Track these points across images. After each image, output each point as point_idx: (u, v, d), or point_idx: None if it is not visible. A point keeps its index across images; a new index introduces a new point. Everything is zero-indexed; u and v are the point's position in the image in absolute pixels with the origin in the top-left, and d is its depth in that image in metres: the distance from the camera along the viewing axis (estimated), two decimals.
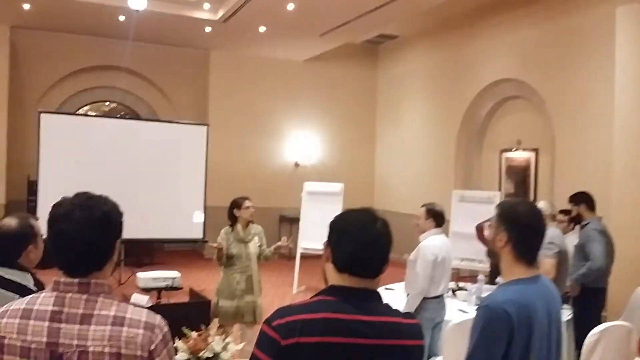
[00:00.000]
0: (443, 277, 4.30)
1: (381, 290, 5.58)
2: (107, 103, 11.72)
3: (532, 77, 8.83)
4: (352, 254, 1.59)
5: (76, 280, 1.49)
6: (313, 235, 8.67)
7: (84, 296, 1.47)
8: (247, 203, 4.89)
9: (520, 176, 9.57)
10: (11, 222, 2.49)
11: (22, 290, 2.27)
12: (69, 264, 1.51)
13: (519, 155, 9.62)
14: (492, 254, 2.13)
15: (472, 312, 4.72)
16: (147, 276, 5.06)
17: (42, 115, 7.94)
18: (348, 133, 12.84)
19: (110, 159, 8.21)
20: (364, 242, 1.60)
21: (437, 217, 4.38)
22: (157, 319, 1.53)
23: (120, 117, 10.80)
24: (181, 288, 5.18)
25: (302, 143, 12.48)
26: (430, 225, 4.34)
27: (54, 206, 1.57)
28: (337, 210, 8.77)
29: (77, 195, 1.57)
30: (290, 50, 11.45)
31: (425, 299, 4.22)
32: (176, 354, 3.18)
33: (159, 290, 5.08)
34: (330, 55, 12.00)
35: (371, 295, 1.61)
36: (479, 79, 9.99)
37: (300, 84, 12.42)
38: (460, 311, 4.71)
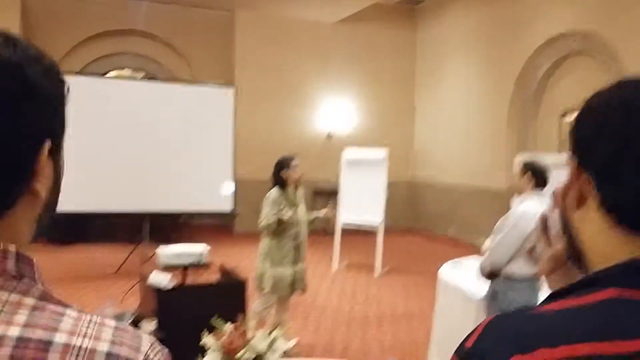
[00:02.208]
0: (540, 252, 3.37)
1: (447, 267, 4.71)
2: (127, 70, 10.93)
3: (603, 27, 7.71)
4: None
5: None
6: (354, 208, 7.82)
7: None
8: (295, 161, 4.38)
9: None
10: None
11: None
12: None
13: None
14: None
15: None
16: (169, 252, 4.26)
17: None
18: (384, 100, 11.88)
19: (129, 126, 7.41)
20: None
21: (538, 175, 3.40)
22: (144, 346, 0.65)
23: (139, 79, 9.96)
24: (209, 265, 4.38)
25: (335, 111, 11.56)
26: (528, 185, 3.39)
27: None
28: (381, 180, 7.96)
29: None
30: (322, 9, 10.47)
31: (517, 280, 3.32)
32: (204, 355, 2.36)
33: (184, 268, 4.29)
34: (364, 16, 11.02)
35: None
36: (536, 34, 8.89)
37: (332, 47, 11.47)
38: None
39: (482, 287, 3.55)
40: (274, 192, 4.32)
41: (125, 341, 0.63)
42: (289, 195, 4.32)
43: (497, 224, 3.43)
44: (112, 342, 0.61)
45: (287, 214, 4.21)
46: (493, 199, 9.49)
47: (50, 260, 7.89)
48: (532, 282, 3.36)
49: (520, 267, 3.31)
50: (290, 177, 4.31)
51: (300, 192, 4.47)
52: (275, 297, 4.35)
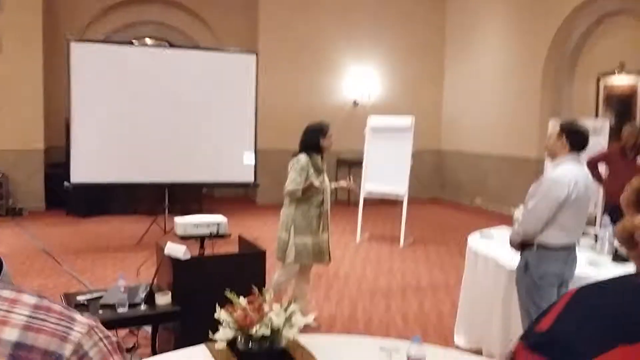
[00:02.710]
0: (578, 221, 3.12)
1: (476, 237, 4.49)
2: (149, 40, 10.73)
3: None
4: None
5: None
6: (378, 177, 7.61)
7: None
8: (330, 131, 4.25)
9: (623, 105, 8.10)
10: None
11: None
12: None
13: (622, 81, 8.13)
14: None
15: (607, 266, 3.60)
16: (186, 221, 4.14)
17: (72, 44, 6.99)
18: (412, 66, 11.48)
19: (150, 95, 7.26)
20: None
21: (576, 139, 3.13)
22: (75, 333, 0.49)
23: (159, 46, 9.72)
24: (229, 235, 4.24)
25: (361, 79, 11.23)
26: (564, 149, 3.11)
27: None
28: (406, 148, 7.69)
29: None
30: None
31: (550, 249, 3.08)
32: (218, 329, 2.21)
33: (202, 238, 4.16)
34: None
35: None
36: None
37: (359, 12, 11.06)
38: (590, 265, 3.55)
39: (514, 257, 3.33)
40: (303, 158, 4.14)
41: (46, 326, 0.44)
42: (316, 162, 4.16)
43: (530, 190, 3.18)
44: (26, 328, 0.43)
45: (316, 181, 4.07)
46: (523, 167, 9.16)
47: (71, 233, 7.90)
48: (566, 252, 3.12)
49: (554, 237, 3.07)
50: (326, 145, 4.18)
51: (325, 162, 4.31)
52: (297, 268, 4.20)
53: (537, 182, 3.20)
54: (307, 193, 4.07)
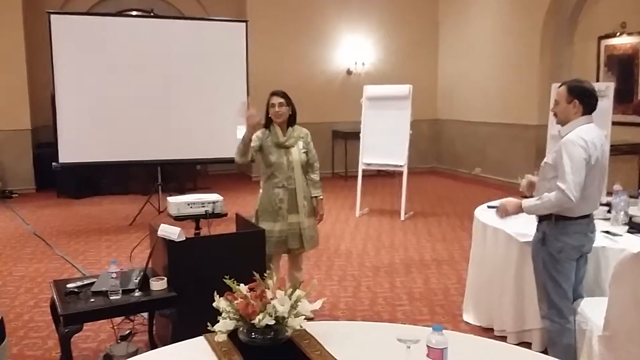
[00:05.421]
0: (597, 187, 2.93)
1: (483, 209, 4.32)
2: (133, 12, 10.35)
3: None
4: None
5: None
6: (376, 148, 7.41)
7: None
8: (273, 99, 3.84)
9: (625, 68, 7.88)
10: None
11: None
12: None
13: (624, 42, 7.89)
14: None
15: (625, 236, 3.43)
16: (180, 201, 3.93)
17: (52, 17, 6.67)
18: (406, 33, 11.18)
19: (137, 69, 6.96)
20: None
21: (587, 100, 2.90)
22: None
23: (144, 16, 9.31)
24: (225, 214, 4.04)
25: (353, 47, 10.93)
26: (576, 111, 2.89)
27: None
28: (404, 118, 7.47)
29: None
30: None
31: (570, 220, 2.89)
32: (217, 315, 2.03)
33: (197, 219, 3.97)
34: None
35: None
36: None
37: None
38: (605, 234, 3.39)
39: (527, 229, 3.16)
40: (260, 130, 3.87)
41: None
42: (276, 136, 3.80)
43: (546, 159, 2.98)
44: None
45: (272, 156, 3.73)
46: (523, 135, 8.97)
47: (62, 215, 7.69)
48: (586, 222, 2.94)
49: (577, 205, 2.85)
50: (273, 116, 3.81)
51: (296, 132, 3.87)
52: (271, 255, 3.77)
53: (554, 150, 2.97)
54: (246, 154, 3.66)
